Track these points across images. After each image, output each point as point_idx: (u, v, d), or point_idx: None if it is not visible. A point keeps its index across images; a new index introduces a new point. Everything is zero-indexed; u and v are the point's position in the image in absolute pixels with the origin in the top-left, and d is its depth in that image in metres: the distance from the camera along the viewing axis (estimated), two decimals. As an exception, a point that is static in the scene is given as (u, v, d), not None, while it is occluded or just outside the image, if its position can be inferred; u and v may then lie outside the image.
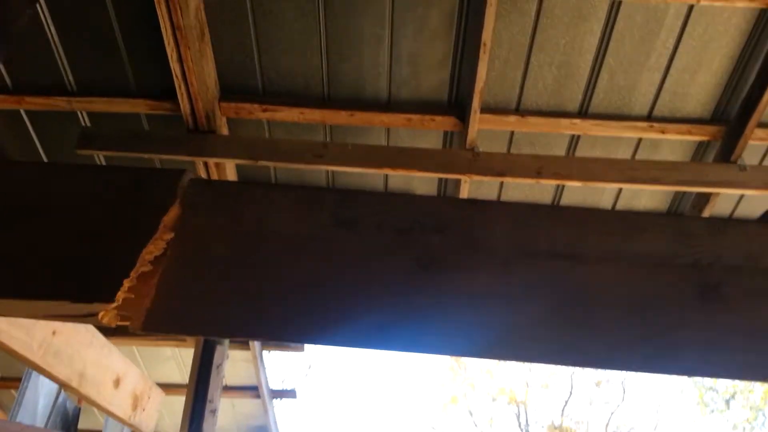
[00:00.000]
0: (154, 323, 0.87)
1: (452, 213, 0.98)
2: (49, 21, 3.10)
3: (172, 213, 0.97)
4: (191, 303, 0.89)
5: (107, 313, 0.86)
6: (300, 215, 0.97)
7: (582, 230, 0.97)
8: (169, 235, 0.95)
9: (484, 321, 0.88)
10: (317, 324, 0.86)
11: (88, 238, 0.94)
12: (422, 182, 3.91)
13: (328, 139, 3.65)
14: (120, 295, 0.86)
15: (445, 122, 3.46)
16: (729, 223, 1.01)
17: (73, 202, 0.98)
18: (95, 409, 7.13)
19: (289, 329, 0.86)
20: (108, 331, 3.76)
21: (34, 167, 1.07)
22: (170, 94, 3.30)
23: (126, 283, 0.87)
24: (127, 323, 0.89)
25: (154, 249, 0.92)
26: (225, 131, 3.50)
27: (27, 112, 3.49)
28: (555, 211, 1.01)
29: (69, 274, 0.89)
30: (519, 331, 0.88)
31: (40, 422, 3.94)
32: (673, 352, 0.87)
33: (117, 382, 3.10)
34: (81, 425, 4.79)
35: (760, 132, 3.39)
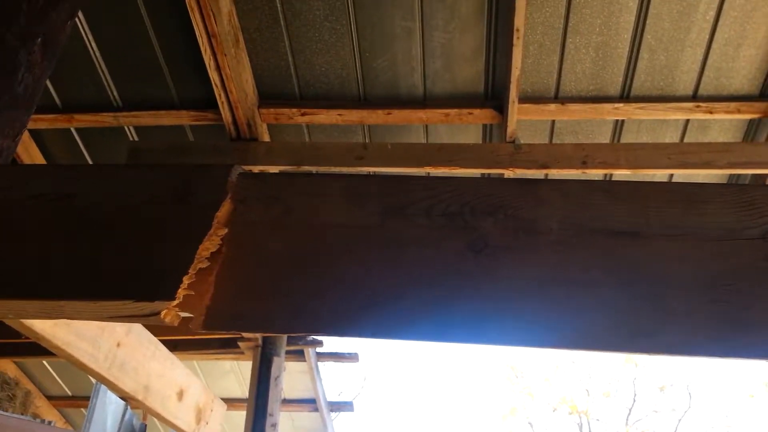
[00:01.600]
0: (214, 322, 0.88)
1: (503, 194, 0.95)
2: (91, 40, 3.23)
3: (225, 209, 0.98)
4: (249, 300, 0.89)
5: (169, 312, 0.86)
6: (349, 205, 0.96)
7: (639, 205, 0.92)
8: (223, 231, 0.96)
9: (542, 307, 0.84)
10: (374, 318, 0.85)
11: (147, 238, 0.95)
12: (464, 179, 3.87)
13: (367, 140, 3.67)
14: (180, 293, 0.87)
15: (483, 115, 3.43)
16: None
17: (127, 204, 1.01)
18: (159, 426, 7.29)
19: (346, 325, 0.85)
20: (168, 346, 3.83)
21: (89, 170, 1.11)
22: (211, 104, 3.38)
23: (185, 280, 0.88)
24: (185, 327, 0.90)
25: (209, 245, 0.93)
26: (266, 138, 3.56)
27: (77, 129, 3.63)
28: (610, 187, 0.95)
29: (131, 275, 0.91)
30: (581, 318, 0.83)
31: (110, 438, 4.04)
32: (749, 333, 0.81)
33: (181, 395, 3.14)
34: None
35: (814, 105, 3.25)
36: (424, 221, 0.93)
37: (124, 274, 0.91)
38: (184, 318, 0.92)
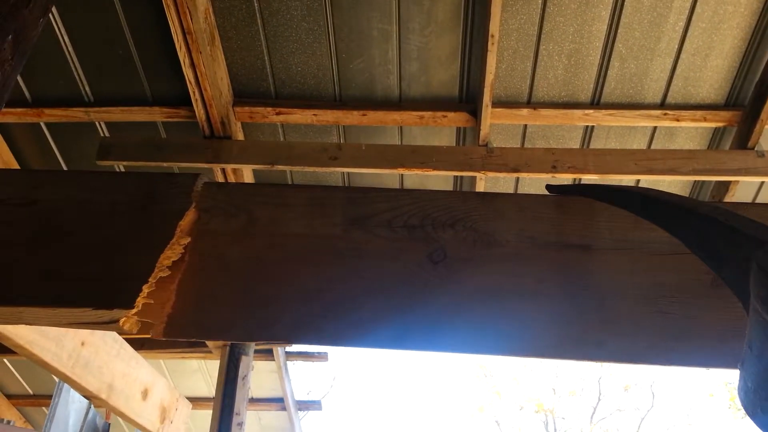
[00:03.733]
0: (174, 330, 0.88)
1: (463, 207, 0.98)
2: (64, 33, 3.18)
3: (188, 218, 0.98)
4: (210, 308, 0.90)
5: (128, 320, 0.87)
6: (312, 215, 0.98)
7: (591, 219, 0.96)
8: (186, 240, 0.96)
9: (497, 316, 0.87)
10: (333, 326, 0.87)
11: (109, 246, 0.95)
12: (437, 181, 3.91)
13: (342, 140, 3.68)
14: (140, 301, 0.87)
15: (458, 118, 3.46)
16: (739, 206, 0.98)
17: (93, 210, 1.00)
18: (123, 425, 7.19)
19: (306, 332, 0.87)
20: (135, 344, 3.79)
21: (52, 176, 1.09)
22: (185, 101, 3.36)
23: (145, 289, 0.88)
24: (148, 333, 0.90)
25: (171, 254, 0.93)
26: (240, 136, 3.55)
27: (47, 124, 3.57)
28: (563, 201, 0.99)
29: (91, 282, 0.90)
30: (532, 326, 0.86)
31: (71, 438, 3.98)
32: (690, 343, 0.84)
33: (145, 394, 3.12)
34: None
35: (776, 115, 3.35)
36: (385, 232, 0.96)
37: (83, 282, 0.91)
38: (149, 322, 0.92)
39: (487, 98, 3.23)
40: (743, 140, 3.36)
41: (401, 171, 3.38)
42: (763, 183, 3.81)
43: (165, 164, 3.39)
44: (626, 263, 0.91)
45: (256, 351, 4.73)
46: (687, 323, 0.86)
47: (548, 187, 0.95)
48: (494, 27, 2.94)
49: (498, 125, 3.51)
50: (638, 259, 0.92)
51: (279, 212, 0.99)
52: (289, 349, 5.32)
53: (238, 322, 0.89)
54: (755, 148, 3.33)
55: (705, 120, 3.44)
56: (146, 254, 0.92)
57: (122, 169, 3.82)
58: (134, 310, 0.86)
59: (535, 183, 3.89)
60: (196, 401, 5.63)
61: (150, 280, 0.89)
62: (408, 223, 0.97)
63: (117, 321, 0.86)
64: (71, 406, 4.09)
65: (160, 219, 0.98)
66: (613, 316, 0.87)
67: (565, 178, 3.82)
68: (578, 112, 3.43)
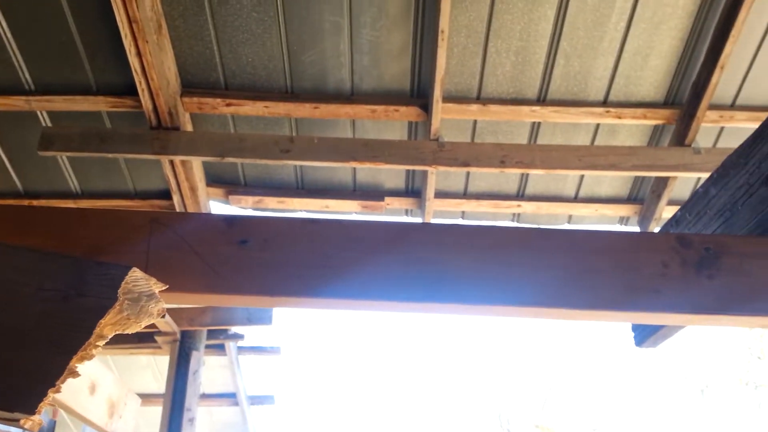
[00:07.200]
0: None
1: None
2: (1, 18, 3.06)
3: (109, 317, 0.93)
4: None
5: (30, 421, 0.84)
6: None
7: None
8: (103, 341, 0.93)
9: None
10: None
11: (23, 336, 0.90)
12: (390, 174, 3.94)
13: (294, 133, 3.66)
14: (42, 407, 0.83)
15: (409, 113, 3.50)
16: None
17: (16, 292, 0.95)
18: (70, 423, 6.99)
19: None
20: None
21: None
22: (131, 91, 3.28)
23: (51, 393, 0.84)
24: None
25: (85, 356, 0.89)
26: (189, 127, 3.49)
27: (-16, 113, 3.44)
28: None
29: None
30: None
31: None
32: None
33: (92, 389, 3.04)
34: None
35: (711, 114, 3.50)
36: None
37: None
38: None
39: (437, 93, 3.27)
40: (681, 137, 3.51)
41: (353, 164, 3.39)
42: (699, 179, 3.97)
43: (110, 155, 3.32)
44: None
45: (207, 346, 4.67)
46: None
47: None
48: (444, 23, 2.98)
49: (449, 120, 3.56)
50: None
51: None
52: (241, 343, 5.28)
53: None
54: (692, 145, 3.48)
55: (645, 117, 3.58)
56: (58, 354, 0.87)
57: (66, 161, 3.71)
58: (36, 416, 0.83)
59: (485, 177, 3.96)
60: (145, 398, 5.52)
61: (57, 383, 0.85)
62: None
63: (17, 420, 0.83)
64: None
65: (81, 314, 0.93)
66: None
67: (513, 173, 3.90)
68: (525, 109, 3.51)
